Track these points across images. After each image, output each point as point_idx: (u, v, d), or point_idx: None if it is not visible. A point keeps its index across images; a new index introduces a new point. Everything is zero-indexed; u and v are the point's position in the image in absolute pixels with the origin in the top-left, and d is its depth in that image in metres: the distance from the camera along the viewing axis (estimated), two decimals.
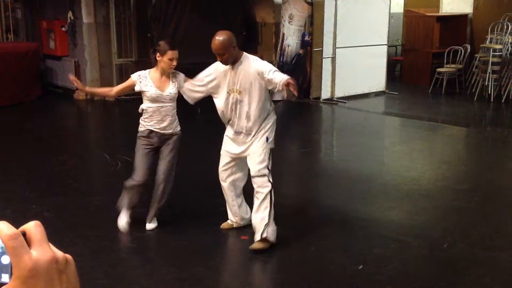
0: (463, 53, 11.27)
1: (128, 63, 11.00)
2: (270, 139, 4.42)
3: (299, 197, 5.99)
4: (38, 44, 11.18)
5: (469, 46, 11.51)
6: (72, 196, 5.73)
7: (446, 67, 11.33)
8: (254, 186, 4.40)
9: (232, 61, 4.29)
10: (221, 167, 4.63)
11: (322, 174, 6.81)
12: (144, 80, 4.56)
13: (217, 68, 4.44)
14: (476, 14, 12.52)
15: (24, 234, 0.66)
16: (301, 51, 10.45)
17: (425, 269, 4.22)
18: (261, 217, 4.33)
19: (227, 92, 4.39)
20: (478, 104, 10.50)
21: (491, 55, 10.51)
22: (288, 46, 10.57)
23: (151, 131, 4.58)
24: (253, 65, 4.29)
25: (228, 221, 4.83)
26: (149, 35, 10.87)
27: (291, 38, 10.52)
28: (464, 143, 8.66)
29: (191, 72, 4.76)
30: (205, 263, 4.24)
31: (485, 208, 5.47)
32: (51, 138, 8.39)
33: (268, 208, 4.31)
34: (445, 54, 11.29)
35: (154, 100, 4.52)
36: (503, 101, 10.33)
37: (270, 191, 4.33)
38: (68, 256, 0.70)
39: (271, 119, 4.47)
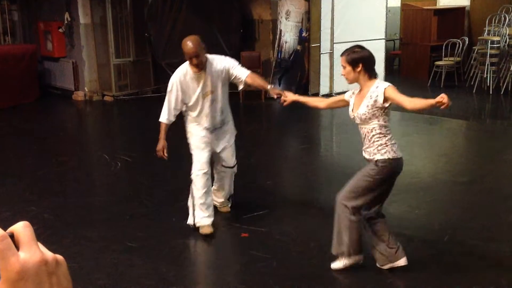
0: (461, 45, 11.25)
1: (126, 63, 10.99)
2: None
3: (299, 193, 5.99)
4: (35, 46, 11.17)
5: (467, 38, 11.49)
6: (72, 197, 5.74)
7: (445, 60, 11.32)
8: (224, 174, 4.95)
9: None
10: (203, 162, 4.64)
11: (321, 170, 6.80)
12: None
13: (177, 84, 4.52)
14: (474, 6, 12.51)
15: (12, 235, 0.65)
16: (298, 47, 10.43)
17: (426, 262, 4.22)
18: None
19: (202, 97, 4.54)
20: (477, 97, 10.49)
21: (489, 47, 10.49)
22: (286, 42, 10.55)
23: None
24: (220, 62, 4.54)
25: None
26: (146, 34, 10.86)
27: (288, 34, 10.50)
28: (464, 136, 8.65)
29: None
30: (205, 261, 4.24)
31: (484, 200, 5.47)
32: (50, 139, 8.39)
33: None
34: (443, 47, 11.27)
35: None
36: (502, 93, 10.32)
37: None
38: (59, 257, 0.68)
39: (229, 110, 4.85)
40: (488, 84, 10.49)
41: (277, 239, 4.62)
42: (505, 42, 10.58)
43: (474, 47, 11.31)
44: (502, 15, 11.03)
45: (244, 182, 5.73)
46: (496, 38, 10.62)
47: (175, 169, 6.57)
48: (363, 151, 3.91)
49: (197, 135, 4.67)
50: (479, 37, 11.28)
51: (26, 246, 0.64)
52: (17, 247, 0.64)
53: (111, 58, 10.75)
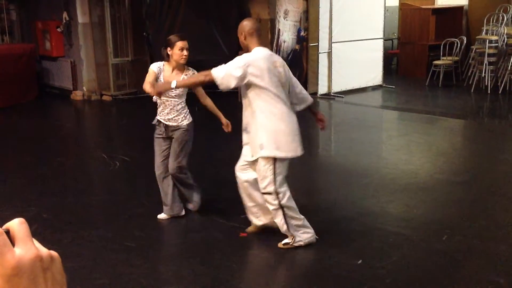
0: (459, 45, 11.27)
1: (124, 62, 10.99)
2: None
3: (297, 192, 5.98)
4: (34, 45, 11.16)
5: (465, 38, 11.51)
6: (71, 196, 5.74)
7: (443, 59, 11.33)
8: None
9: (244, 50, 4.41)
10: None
11: (320, 169, 6.81)
12: (160, 72, 4.66)
13: None
14: (472, 5, 12.53)
15: (8, 232, 0.66)
16: (297, 47, 10.44)
17: (424, 261, 4.23)
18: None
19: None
20: (475, 96, 10.50)
21: (487, 46, 10.50)
22: (284, 42, 10.55)
23: (159, 121, 4.74)
24: None
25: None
26: (144, 33, 10.85)
27: (286, 34, 10.51)
28: (462, 135, 8.67)
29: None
30: (203, 260, 4.24)
31: (483, 199, 5.48)
32: (49, 138, 8.38)
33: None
34: (441, 46, 11.29)
35: None
36: (500, 92, 10.33)
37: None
38: (54, 253, 0.69)
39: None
40: (486, 84, 10.51)
41: (276, 238, 4.62)
42: (503, 41, 10.59)
43: (472, 47, 11.32)
44: (500, 14, 11.05)
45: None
46: (494, 38, 10.63)
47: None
48: (168, 121, 4.66)
49: None
50: (477, 37, 11.29)
51: (22, 243, 0.65)
52: (13, 244, 0.65)
53: (109, 58, 10.75)
